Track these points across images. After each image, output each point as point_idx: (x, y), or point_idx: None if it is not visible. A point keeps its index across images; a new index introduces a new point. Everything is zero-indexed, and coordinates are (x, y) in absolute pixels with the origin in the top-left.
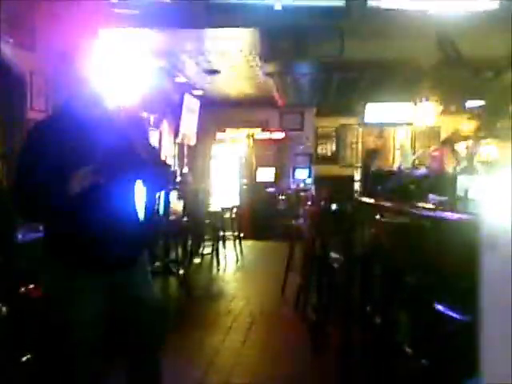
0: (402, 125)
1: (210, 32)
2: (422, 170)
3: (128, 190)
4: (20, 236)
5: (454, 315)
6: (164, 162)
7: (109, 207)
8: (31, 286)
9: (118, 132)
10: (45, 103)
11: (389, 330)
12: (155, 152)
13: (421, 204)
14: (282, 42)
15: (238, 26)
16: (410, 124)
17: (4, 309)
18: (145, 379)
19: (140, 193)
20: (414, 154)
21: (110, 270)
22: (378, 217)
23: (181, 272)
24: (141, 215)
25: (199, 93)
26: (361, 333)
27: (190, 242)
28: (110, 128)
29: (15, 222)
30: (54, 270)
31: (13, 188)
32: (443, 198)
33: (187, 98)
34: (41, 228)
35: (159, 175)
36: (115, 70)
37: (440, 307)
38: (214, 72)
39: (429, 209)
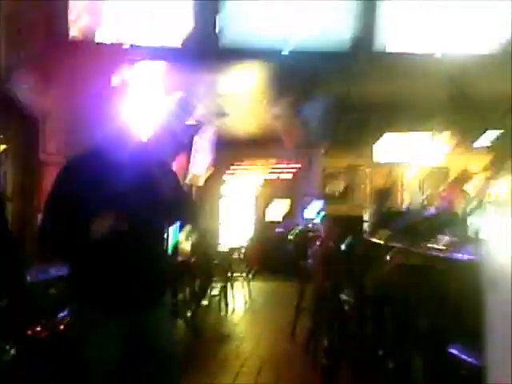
0: (410, 165)
1: (219, 76)
2: (432, 210)
3: (154, 231)
4: (28, 277)
5: (469, 359)
6: (191, 202)
7: (133, 248)
8: (39, 328)
9: (145, 172)
10: (56, 145)
11: (402, 374)
12: (182, 191)
13: (431, 245)
14: (290, 84)
15: (246, 70)
16: (418, 164)
17: (12, 351)
18: None
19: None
20: (422, 194)
21: (131, 311)
22: (388, 258)
23: (188, 314)
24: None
25: (209, 133)
26: (373, 377)
27: (197, 283)
28: (136, 169)
29: (24, 264)
30: (77, 307)
31: (40, 228)
32: (454, 239)
33: (197, 139)
34: (49, 269)
35: (185, 214)
36: (129, 112)
37: (454, 351)
38: (222, 115)
39: (439, 250)
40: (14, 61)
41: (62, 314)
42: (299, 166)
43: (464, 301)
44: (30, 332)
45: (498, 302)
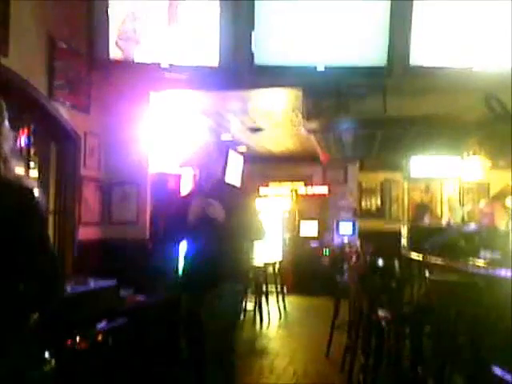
0: (448, 179)
1: (255, 93)
2: (472, 226)
3: (222, 241)
4: (68, 289)
5: None
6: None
7: (204, 250)
8: (78, 338)
9: (226, 203)
10: (97, 162)
11: None
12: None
13: (472, 261)
14: (324, 100)
15: (281, 87)
16: (458, 178)
17: (53, 361)
18: None
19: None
20: (462, 209)
21: (195, 290)
22: (427, 274)
23: None
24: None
25: (243, 149)
26: None
27: None
28: (222, 198)
29: (64, 277)
30: (182, 287)
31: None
32: (496, 255)
33: (231, 154)
34: (88, 282)
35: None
36: (165, 130)
37: (497, 369)
38: (257, 130)
39: (482, 266)
40: (58, 82)
41: (100, 325)
42: (333, 181)
43: (507, 318)
44: (69, 343)
45: None
